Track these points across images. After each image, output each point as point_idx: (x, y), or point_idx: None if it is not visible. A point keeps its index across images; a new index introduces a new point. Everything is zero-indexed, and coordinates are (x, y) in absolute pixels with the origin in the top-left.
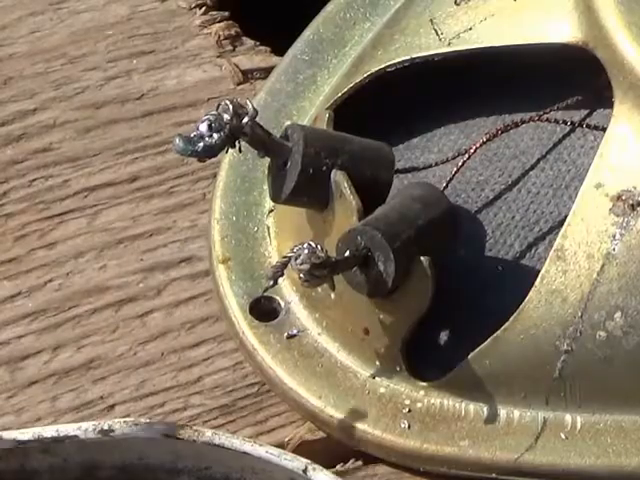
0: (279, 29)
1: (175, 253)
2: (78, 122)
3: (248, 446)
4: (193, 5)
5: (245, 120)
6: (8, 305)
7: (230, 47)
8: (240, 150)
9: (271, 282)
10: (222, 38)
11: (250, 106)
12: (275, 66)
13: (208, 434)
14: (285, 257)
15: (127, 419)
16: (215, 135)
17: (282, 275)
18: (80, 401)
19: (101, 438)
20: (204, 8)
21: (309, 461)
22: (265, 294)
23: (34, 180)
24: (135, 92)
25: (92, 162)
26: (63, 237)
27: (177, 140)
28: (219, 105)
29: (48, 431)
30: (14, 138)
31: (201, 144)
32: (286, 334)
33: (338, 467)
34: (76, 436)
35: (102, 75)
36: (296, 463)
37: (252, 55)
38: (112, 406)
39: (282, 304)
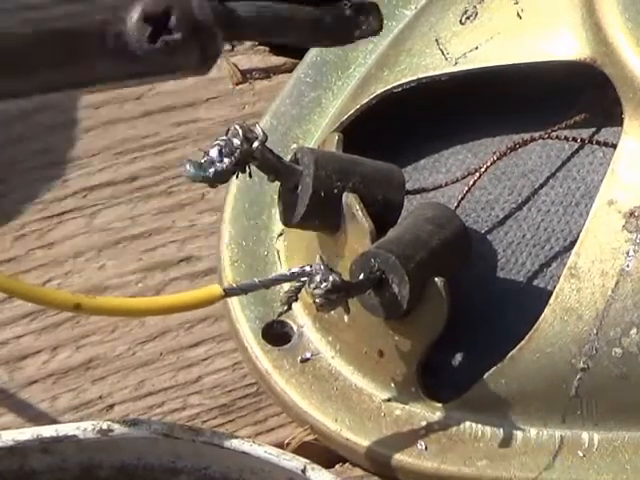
0: None
1: (174, 253)
2: (77, 122)
3: (247, 446)
4: None
5: (255, 144)
6: (7, 305)
7: (229, 47)
8: (250, 175)
9: (285, 307)
10: None
11: (260, 130)
12: (274, 66)
13: (207, 434)
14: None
15: (126, 419)
16: (226, 160)
17: (296, 300)
18: (79, 401)
19: (100, 438)
20: None
21: (308, 461)
22: (277, 318)
23: (33, 180)
24: (134, 92)
25: (91, 162)
26: (62, 237)
27: (188, 166)
28: (229, 130)
29: (47, 431)
30: (14, 138)
31: (212, 170)
32: (300, 358)
33: (337, 467)
34: (75, 436)
35: None
36: (295, 463)
37: (251, 55)
38: (111, 406)
39: (295, 328)
